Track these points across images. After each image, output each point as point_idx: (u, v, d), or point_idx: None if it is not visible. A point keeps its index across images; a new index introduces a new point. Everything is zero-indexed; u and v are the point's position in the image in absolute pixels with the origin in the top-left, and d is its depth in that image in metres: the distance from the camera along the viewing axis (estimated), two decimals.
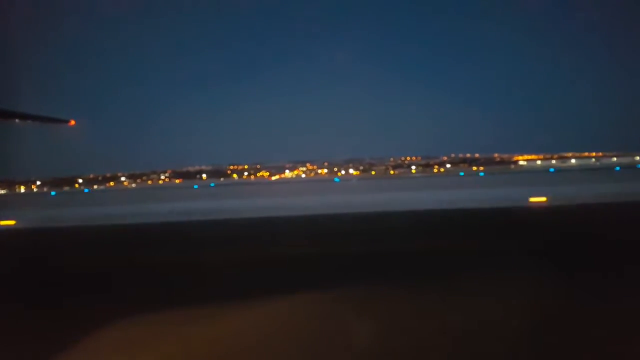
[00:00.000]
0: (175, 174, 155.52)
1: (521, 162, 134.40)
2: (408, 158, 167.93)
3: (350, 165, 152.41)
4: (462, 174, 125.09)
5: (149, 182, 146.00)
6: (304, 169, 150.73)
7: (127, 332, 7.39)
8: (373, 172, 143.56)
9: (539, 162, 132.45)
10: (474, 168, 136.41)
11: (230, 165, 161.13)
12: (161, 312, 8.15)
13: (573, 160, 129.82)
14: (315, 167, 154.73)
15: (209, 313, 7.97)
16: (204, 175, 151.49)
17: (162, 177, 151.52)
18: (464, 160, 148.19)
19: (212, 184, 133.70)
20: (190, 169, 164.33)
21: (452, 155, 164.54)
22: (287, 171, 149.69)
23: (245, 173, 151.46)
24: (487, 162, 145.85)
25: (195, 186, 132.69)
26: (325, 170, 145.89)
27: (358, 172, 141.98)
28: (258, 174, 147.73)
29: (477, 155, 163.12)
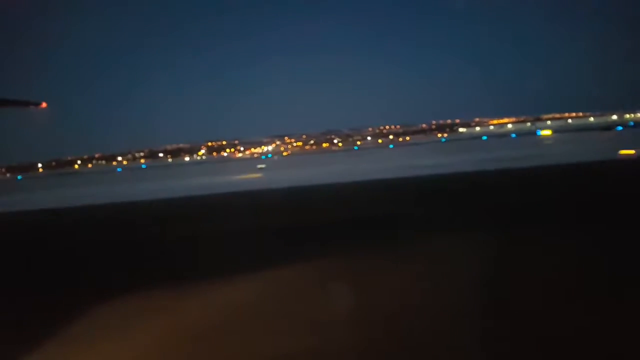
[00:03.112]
0: (152, 153, 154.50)
1: (461, 130, 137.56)
2: (387, 127, 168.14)
3: (328, 137, 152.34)
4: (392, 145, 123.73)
5: (125, 162, 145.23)
6: (280, 142, 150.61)
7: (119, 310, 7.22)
8: (340, 145, 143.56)
9: (477, 128, 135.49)
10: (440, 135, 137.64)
11: (207, 142, 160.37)
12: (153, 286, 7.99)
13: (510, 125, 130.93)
14: (292, 140, 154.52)
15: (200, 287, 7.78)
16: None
17: (137, 156, 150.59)
18: (440, 127, 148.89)
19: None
20: (168, 147, 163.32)
21: (433, 122, 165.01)
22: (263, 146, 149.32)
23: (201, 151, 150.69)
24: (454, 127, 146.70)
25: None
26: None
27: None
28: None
29: (457, 120, 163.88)
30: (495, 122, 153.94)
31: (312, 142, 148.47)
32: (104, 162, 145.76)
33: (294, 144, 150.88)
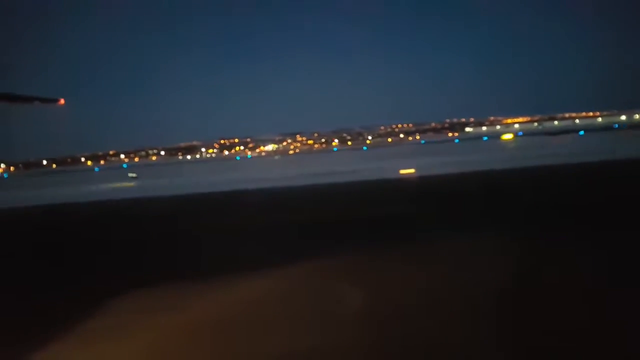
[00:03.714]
0: (167, 150, 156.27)
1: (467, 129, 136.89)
2: (399, 125, 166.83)
3: (339, 135, 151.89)
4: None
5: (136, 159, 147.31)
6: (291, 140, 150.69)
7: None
8: (350, 143, 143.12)
9: (484, 128, 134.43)
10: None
11: (220, 139, 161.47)
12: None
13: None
14: (304, 138, 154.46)
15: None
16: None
17: (151, 153, 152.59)
18: (451, 126, 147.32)
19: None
20: (182, 144, 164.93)
21: (447, 120, 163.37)
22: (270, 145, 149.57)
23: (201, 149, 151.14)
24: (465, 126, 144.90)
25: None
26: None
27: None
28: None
29: (472, 119, 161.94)
30: (509, 121, 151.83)
31: (323, 140, 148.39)
32: (115, 159, 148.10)
33: (305, 142, 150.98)
